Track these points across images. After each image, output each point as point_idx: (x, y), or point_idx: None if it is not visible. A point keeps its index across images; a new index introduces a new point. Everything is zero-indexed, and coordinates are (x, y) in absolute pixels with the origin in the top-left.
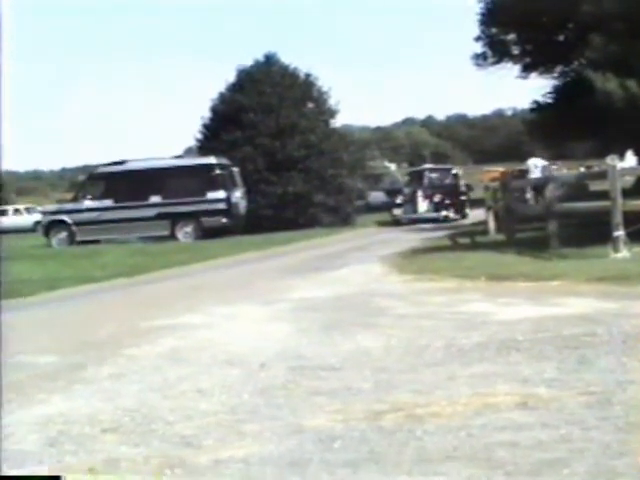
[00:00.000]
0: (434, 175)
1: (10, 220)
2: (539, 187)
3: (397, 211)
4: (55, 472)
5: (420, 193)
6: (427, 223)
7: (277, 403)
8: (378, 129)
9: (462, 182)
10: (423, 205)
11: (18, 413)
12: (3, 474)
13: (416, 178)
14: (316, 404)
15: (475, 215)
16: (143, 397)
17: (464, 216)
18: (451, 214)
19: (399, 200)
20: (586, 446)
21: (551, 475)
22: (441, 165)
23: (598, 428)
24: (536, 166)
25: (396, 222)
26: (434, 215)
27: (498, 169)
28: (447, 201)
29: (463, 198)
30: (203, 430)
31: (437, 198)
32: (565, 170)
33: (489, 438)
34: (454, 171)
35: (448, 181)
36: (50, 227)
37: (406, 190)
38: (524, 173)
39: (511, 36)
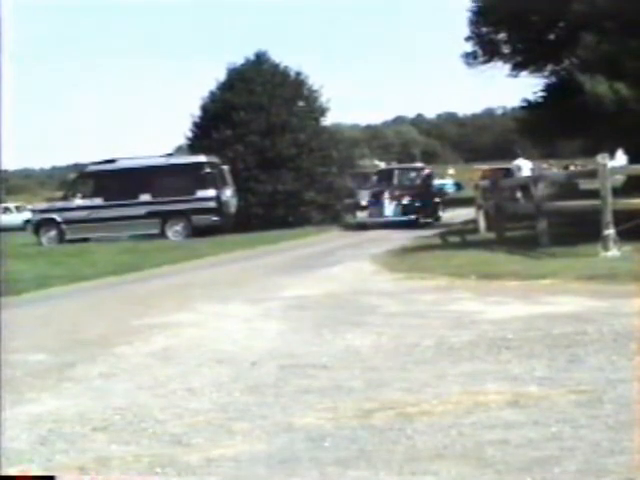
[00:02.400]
0: (404, 175)
1: (0, 218)
2: (527, 186)
3: (361, 214)
4: (45, 471)
5: (387, 194)
6: (394, 227)
7: (267, 401)
8: (368, 127)
9: (450, 181)
10: (390, 208)
11: (8, 411)
12: (3, 474)
13: (384, 178)
14: (306, 402)
15: (451, 217)
16: (133, 396)
17: (437, 219)
18: (421, 218)
19: (364, 202)
20: (577, 444)
21: (542, 473)
22: (412, 164)
23: (589, 426)
24: (519, 168)
25: (360, 226)
26: (402, 219)
27: (482, 167)
28: (417, 203)
29: (436, 200)
30: (193, 429)
31: (406, 200)
32: (555, 169)
33: (479, 436)
34: (427, 170)
35: (419, 181)
36: (40, 225)
37: (372, 191)
38: (508, 172)
39: (501, 35)
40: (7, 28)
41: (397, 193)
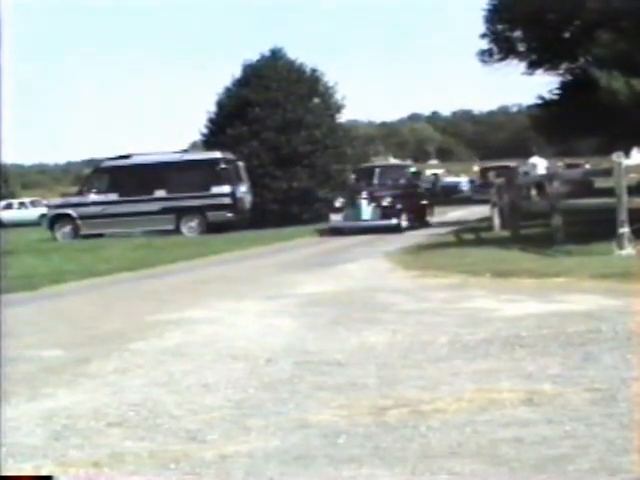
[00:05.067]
0: (386, 173)
1: (15, 213)
2: (542, 184)
3: (335, 217)
4: (60, 466)
5: (365, 195)
6: (372, 233)
7: (282, 398)
8: (384, 125)
9: (464, 179)
10: (367, 210)
11: (24, 407)
12: (3, 474)
13: (364, 177)
14: (321, 399)
15: (460, 216)
16: (148, 391)
17: (425, 224)
18: (404, 222)
19: (338, 203)
20: (590, 442)
21: (555, 471)
22: (398, 161)
23: (602, 425)
24: (534, 165)
25: (335, 231)
26: (382, 223)
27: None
28: (399, 206)
29: (424, 202)
30: (208, 425)
31: (386, 202)
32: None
33: (494, 434)
34: (413, 169)
35: (403, 181)
36: (55, 221)
37: (348, 191)
38: (508, 169)
39: (517, 33)
40: (14, 22)
41: (377, 194)
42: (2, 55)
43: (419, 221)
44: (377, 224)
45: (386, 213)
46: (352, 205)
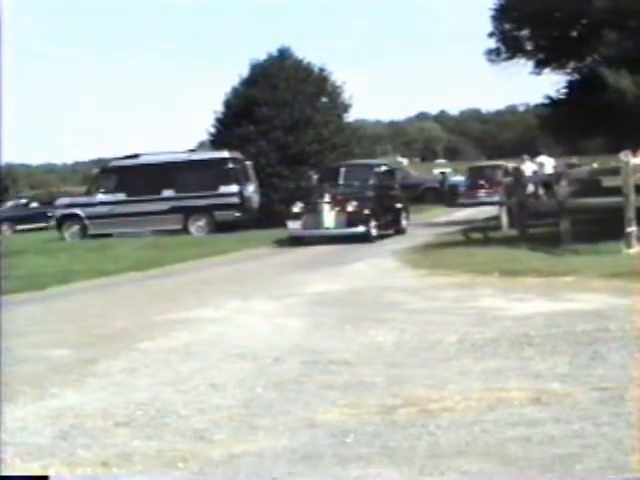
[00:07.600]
0: (354, 173)
1: None
2: (550, 183)
3: (294, 224)
4: (68, 466)
5: (327, 199)
6: (337, 242)
7: (290, 397)
8: (391, 124)
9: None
10: (330, 216)
11: (31, 406)
12: (3, 474)
13: (328, 178)
14: (329, 398)
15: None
16: (156, 391)
17: (399, 231)
18: (373, 229)
19: (297, 209)
20: (598, 442)
21: (563, 470)
22: (367, 160)
23: (610, 424)
24: (542, 164)
25: (295, 240)
26: (347, 230)
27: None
28: (367, 211)
29: (398, 206)
30: (216, 424)
31: (351, 207)
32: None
33: (502, 433)
34: (384, 168)
35: (374, 182)
36: (63, 220)
37: (309, 194)
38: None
39: (524, 32)
40: (21, 20)
41: (341, 197)
42: (5, 55)
43: (391, 228)
44: (341, 232)
45: (352, 219)
46: (312, 211)
